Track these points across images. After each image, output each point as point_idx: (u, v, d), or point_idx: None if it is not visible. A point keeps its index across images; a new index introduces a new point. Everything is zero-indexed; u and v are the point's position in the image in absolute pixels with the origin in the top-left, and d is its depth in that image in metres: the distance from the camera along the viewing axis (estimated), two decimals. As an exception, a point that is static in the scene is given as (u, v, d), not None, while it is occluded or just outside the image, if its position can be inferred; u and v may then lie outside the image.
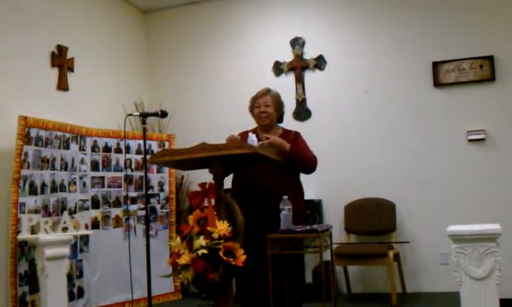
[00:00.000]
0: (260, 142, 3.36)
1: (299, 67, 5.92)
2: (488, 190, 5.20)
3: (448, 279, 4.80)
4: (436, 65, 5.42)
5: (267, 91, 3.74)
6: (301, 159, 3.58)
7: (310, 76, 5.91)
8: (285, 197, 3.25)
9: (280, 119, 3.80)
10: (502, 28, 5.28)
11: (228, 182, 3.42)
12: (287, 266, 3.33)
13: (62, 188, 4.74)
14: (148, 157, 3.56)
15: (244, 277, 3.51)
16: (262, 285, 3.34)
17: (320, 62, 5.87)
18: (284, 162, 3.46)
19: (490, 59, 5.24)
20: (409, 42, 5.57)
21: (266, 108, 3.66)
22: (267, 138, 3.47)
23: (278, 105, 3.74)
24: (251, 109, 3.76)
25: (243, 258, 2.91)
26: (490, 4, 5.33)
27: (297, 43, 5.96)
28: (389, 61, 5.64)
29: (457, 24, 5.42)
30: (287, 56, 5.98)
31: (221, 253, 2.87)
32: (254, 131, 3.70)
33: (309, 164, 3.63)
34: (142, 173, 5.35)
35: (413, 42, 5.56)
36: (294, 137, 3.68)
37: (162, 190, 5.64)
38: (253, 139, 3.26)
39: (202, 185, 3.14)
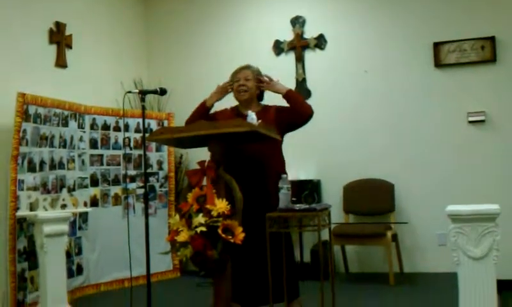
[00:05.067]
0: (260, 121, 3.33)
1: (299, 46, 5.88)
2: (487, 171, 5.21)
3: (445, 260, 4.83)
4: (437, 46, 5.39)
5: (248, 66, 3.71)
6: (298, 99, 3.65)
7: (310, 55, 5.87)
8: (284, 175, 3.24)
9: (261, 97, 3.75)
10: (504, 9, 5.24)
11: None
12: (275, 246, 3.29)
13: (61, 165, 4.74)
14: (147, 135, 3.55)
15: (237, 255, 3.51)
16: (254, 263, 3.35)
17: (320, 42, 5.83)
18: (277, 126, 3.46)
19: (492, 40, 5.21)
20: (411, 22, 5.53)
21: (246, 82, 3.61)
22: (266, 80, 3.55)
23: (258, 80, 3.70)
24: (231, 84, 3.72)
25: (241, 235, 2.91)
26: (493, -16, 5.29)
27: (297, 21, 5.91)
28: (390, 41, 5.60)
29: (459, 4, 5.38)
30: (288, 35, 5.94)
31: (219, 231, 2.88)
32: (236, 108, 3.67)
33: (306, 106, 3.62)
34: (141, 152, 5.35)
35: (415, 22, 5.52)
36: (277, 108, 3.65)
37: (161, 168, 5.64)
38: (252, 117, 3.25)
39: (201, 163, 3.13)
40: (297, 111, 3.58)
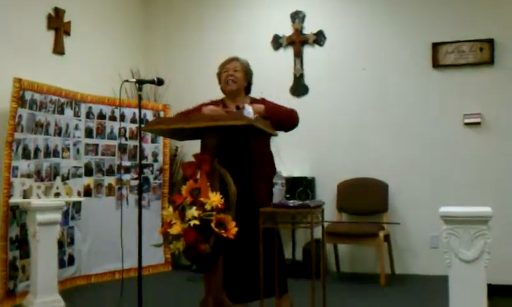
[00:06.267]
0: (256, 115, 3.32)
1: (298, 42, 5.87)
2: (481, 174, 5.21)
3: (437, 263, 4.85)
4: (435, 46, 5.38)
5: (236, 58, 3.69)
6: (280, 115, 3.50)
7: (308, 51, 5.86)
8: (279, 171, 3.23)
9: (248, 90, 3.72)
10: (503, 12, 5.24)
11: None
12: (265, 241, 3.29)
13: (55, 153, 4.72)
14: (143, 126, 3.53)
15: (229, 250, 3.50)
16: (245, 259, 3.35)
17: (319, 38, 5.82)
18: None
19: (490, 42, 5.21)
20: (410, 21, 5.53)
21: (235, 72, 3.59)
22: (238, 107, 3.39)
23: (247, 72, 3.67)
24: (219, 75, 3.69)
25: (234, 230, 2.90)
26: (493, -13, 5.29)
27: (297, 17, 5.89)
28: (389, 40, 5.60)
29: (459, 6, 5.37)
30: (287, 30, 5.92)
31: (212, 225, 2.87)
32: (222, 101, 3.63)
33: (290, 117, 3.57)
34: (136, 142, 5.34)
35: (414, 22, 5.51)
36: (263, 102, 3.61)
37: (156, 160, 5.63)
38: (249, 111, 3.23)
39: (196, 155, 3.12)
40: (283, 125, 3.54)
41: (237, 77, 3.59)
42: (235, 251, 3.29)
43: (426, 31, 5.44)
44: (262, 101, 3.63)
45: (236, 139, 3.37)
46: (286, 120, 3.57)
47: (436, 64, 5.39)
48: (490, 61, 5.22)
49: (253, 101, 3.63)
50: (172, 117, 3.71)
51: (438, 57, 5.39)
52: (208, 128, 3.03)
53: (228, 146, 3.35)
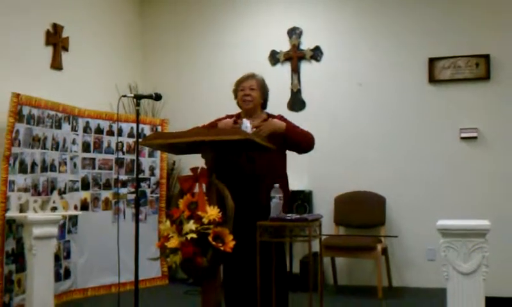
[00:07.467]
0: (254, 129, 3.34)
1: (295, 57, 5.91)
2: (478, 188, 5.24)
3: (434, 275, 4.84)
4: (432, 61, 5.42)
5: (253, 75, 3.67)
6: (298, 136, 3.55)
7: (306, 67, 5.90)
8: (277, 185, 3.24)
9: (264, 106, 3.72)
10: (499, 27, 5.29)
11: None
12: (268, 255, 3.29)
13: (52, 168, 4.72)
14: (140, 140, 3.54)
15: (230, 265, 3.50)
16: (247, 273, 3.34)
17: (317, 54, 5.86)
18: (280, 145, 3.44)
19: (486, 57, 5.25)
20: (407, 37, 5.58)
21: (251, 91, 3.58)
22: (258, 127, 3.41)
23: (263, 89, 3.66)
24: (235, 92, 3.68)
25: (232, 243, 2.90)
26: (489, 3, 5.34)
27: (294, 32, 5.94)
28: (385, 55, 5.64)
29: (455, 21, 5.43)
30: (284, 46, 5.96)
31: (210, 238, 2.87)
32: (237, 116, 3.63)
33: (307, 139, 3.61)
34: (133, 157, 5.33)
35: (411, 37, 5.56)
36: (281, 119, 3.62)
37: (153, 174, 5.62)
38: (246, 125, 3.24)
39: (194, 169, 3.12)
40: (300, 147, 3.62)
41: (253, 96, 3.58)
42: (243, 266, 3.29)
43: (422, 46, 5.48)
44: (280, 117, 3.65)
45: (252, 153, 3.38)
46: (303, 141, 3.60)
47: (433, 79, 5.43)
48: (486, 77, 5.26)
49: (270, 117, 3.64)
50: (170, 132, 3.71)
51: (435, 72, 5.43)
52: (205, 143, 3.04)
53: (237, 162, 3.36)
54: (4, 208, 4.12)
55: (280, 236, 3.23)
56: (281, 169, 3.63)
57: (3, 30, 4.50)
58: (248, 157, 3.41)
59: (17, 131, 4.26)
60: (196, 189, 3.05)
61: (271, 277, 3.27)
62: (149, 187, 5.59)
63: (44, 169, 4.61)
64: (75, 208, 4.72)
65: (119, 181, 5.31)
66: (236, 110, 3.72)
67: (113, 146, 5.32)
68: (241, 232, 3.09)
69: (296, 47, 5.92)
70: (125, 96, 3.84)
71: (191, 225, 2.88)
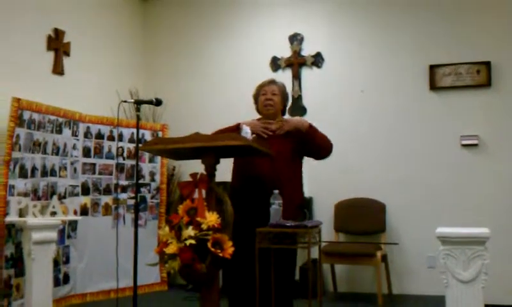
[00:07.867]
0: (254, 136, 3.32)
1: (296, 63, 5.92)
2: (478, 195, 5.22)
3: (434, 283, 4.82)
4: (433, 68, 5.43)
5: (274, 81, 3.67)
6: (320, 139, 3.53)
7: (307, 73, 5.91)
8: (276, 191, 3.22)
9: (283, 112, 3.72)
10: (500, 34, 5.30)
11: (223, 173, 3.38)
12: (278, 261, 3.29)
13: (52, 172, 4.72)
14: (140, 145, 3.54)
15: (231, 271, 3.49)
16: (249, 279, 3.32)
17: (318, 60, 5.86)
18: (298, 145, 3.43)
19: (487, 64, 5.26)
20: (408, 44, 5.58)
21: (273, 96, 3.56)
22: (238, 127, 3.35)
23: (284, 95, 3.65)
24: (256, 96, 3.65)
25: (231, 250, 2.89)
26: (490, 10, 5.35)
27: (295, 39, 5.95)
28: (387, 62, 5.64)
29: (456, 28, 5.43)
30: (285, 52, 5.97)
31: (209, 244, 2.86)
32: (260, 121, 3.59)
33: (329, 144, 3.58)
34: (134, 162, 5.33)
35: (412, 44, 5.57)
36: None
37: (153, 180, 5.62)
38: (246, 131, 3.23)
39: (194, 175, 3.12)
40: (320, 150, 3.57)
41: (275, 101, 3.56)
42: (248, 273, 3.27)
43: (423, 54, 5.49)
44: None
45: (260, 163, 3.37)
46: (322, 145, 3.56)
47: (434, 87, 5.43)
48: (487, 84, 5.26)
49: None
50: (170, 137, 3.71)
51: (436, 79, 5.43)
52: (205, 148, 3.04)
53: (253, 169, 3.35)
54: (4, 213, 4.11)
55: (279, 242, 3.21)
56: (299, 176, 3.60)
57: (4, 35, 4.52)
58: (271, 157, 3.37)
59: (18, 136, 4.26)
60: (196, 195, 3.05)
61: (280, 285, 3.25)
62: (149, 192, 5.59)
63: (44, 173, 4.61)
64: (75, 213, 4.72)
65: (119, 186, 5.30)
66: (239, 115, 3.72)
67: (114, 151, 5.32)
68: (247, 237, 3.08)
69: (297, 53, 5.93)
70: (125, 101, 3.85)
71: (189, 231, 2.87)
